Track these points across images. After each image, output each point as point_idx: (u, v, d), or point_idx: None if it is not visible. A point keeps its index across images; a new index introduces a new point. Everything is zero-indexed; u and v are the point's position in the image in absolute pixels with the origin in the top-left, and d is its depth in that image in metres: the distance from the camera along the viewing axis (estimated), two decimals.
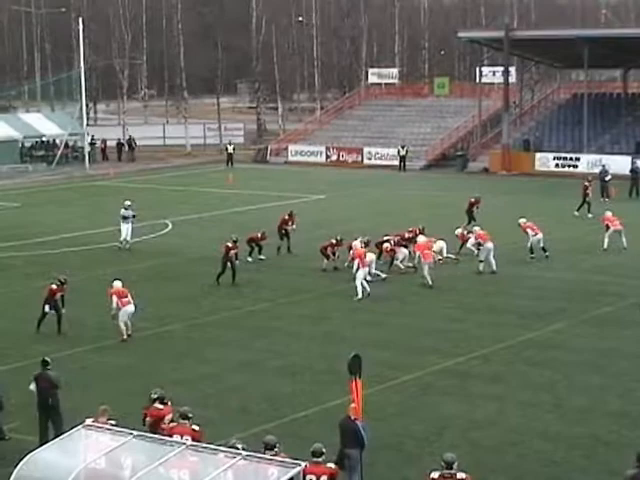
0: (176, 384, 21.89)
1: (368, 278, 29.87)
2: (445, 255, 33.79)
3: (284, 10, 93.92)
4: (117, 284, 25.70)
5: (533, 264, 33.75)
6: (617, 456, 17.72)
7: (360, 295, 29.37)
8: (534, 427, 19.21)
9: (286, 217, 36.52)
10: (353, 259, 30.98)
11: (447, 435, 18.88)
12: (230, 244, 31.30)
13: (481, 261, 32.32)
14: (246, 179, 58.67)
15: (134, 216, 37.33)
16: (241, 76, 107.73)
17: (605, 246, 35.39)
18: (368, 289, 29.46)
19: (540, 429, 19.11)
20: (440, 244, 33.83)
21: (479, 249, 32.94)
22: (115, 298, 25.27)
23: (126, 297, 25.34)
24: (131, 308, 25.29)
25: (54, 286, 26.06)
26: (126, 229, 37.19)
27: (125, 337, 25.22)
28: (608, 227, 35.70)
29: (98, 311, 26.79)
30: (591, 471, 17.30)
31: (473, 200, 40.04)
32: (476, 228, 34.12)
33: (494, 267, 32.08)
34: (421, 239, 32.21)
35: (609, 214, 36.08)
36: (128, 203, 37.69)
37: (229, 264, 31.13)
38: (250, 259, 34.18)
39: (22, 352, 24.20)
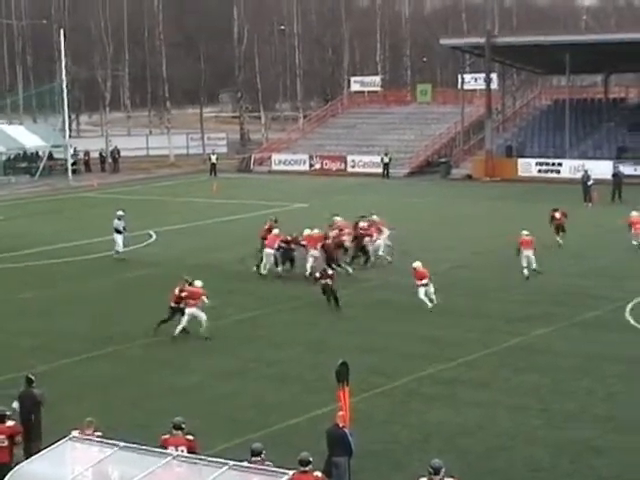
0: (164, 393, 21.89)
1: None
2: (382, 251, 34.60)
3: (266, 19, 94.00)
4: (198, 283, 26.18)
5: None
6: (604, 461, 17.77)
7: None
8: (521, 432, 19.22)
9: (266, 227, 36.21)
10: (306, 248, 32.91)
11: (435, 441, 18.88)
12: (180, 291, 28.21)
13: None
14: (230, 188, 58.69)
15: (124, 228, 37.22)
16: (223, 86, 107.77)
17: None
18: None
19: (527, 434, 19.13)
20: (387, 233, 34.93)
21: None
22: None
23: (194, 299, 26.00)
24: (197, 312, 25.91)
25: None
26: (119, 239, 37.11)
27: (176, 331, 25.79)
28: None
29: (87, 322, 26.69)
30: (578, 476, 17.30)
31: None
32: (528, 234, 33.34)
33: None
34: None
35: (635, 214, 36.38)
36: (120, 213, 37.58)
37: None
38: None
39: (16, 364, 23.69)
